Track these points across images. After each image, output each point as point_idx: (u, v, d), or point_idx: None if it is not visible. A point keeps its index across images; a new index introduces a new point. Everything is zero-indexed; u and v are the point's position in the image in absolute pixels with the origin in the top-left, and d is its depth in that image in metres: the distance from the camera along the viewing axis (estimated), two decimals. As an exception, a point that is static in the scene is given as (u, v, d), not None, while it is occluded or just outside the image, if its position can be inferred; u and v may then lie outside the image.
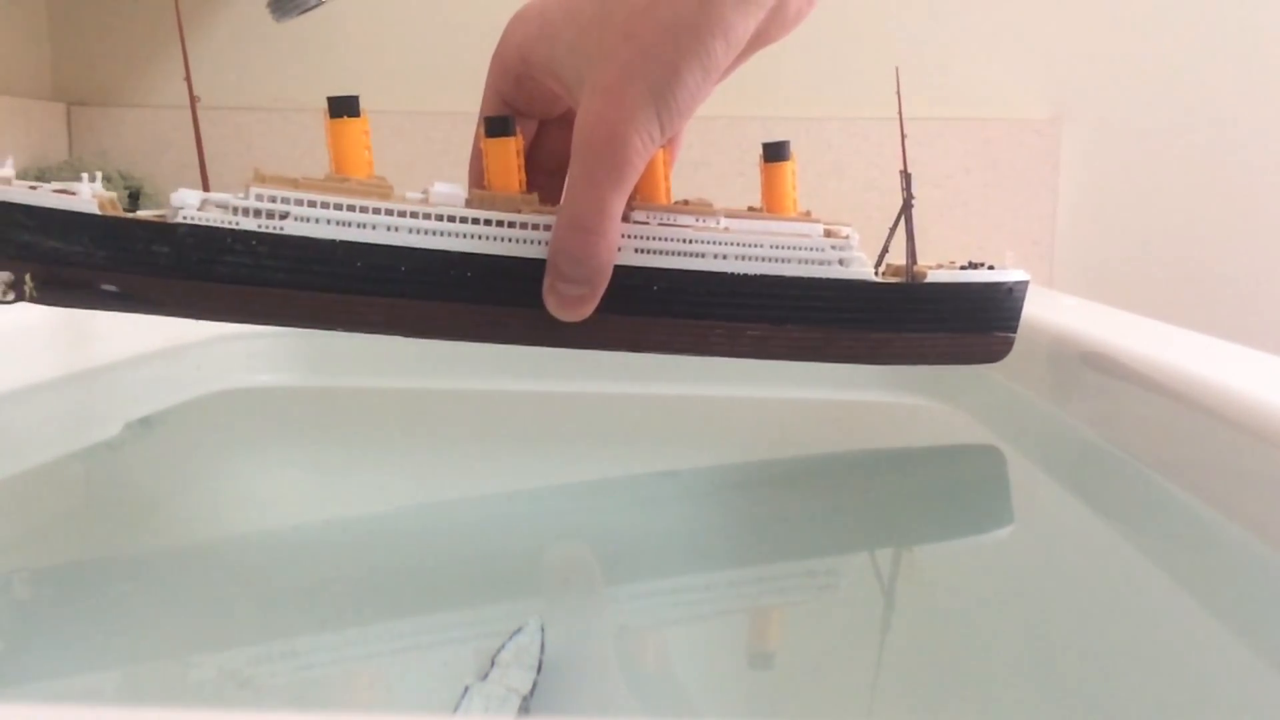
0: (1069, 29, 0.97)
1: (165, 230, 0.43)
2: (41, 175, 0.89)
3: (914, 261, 0.51)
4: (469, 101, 1.04)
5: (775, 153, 0.50)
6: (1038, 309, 0.57)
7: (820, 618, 0.37)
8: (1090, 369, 0.54)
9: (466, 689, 0.26)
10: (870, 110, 0.95)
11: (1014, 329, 0.53)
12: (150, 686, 0.29)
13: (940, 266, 0.52)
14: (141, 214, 0.44)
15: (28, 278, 0.43)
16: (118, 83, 1.00)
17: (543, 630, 0.29)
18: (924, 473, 0.54)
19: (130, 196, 0.93)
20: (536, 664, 0.27)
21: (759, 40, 0.42)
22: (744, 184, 0.95)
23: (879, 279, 0.50)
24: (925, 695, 0.31)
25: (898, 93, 0.53)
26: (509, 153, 0.46)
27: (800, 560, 0.42)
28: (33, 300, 0.43)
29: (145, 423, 0.58)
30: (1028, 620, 0.36)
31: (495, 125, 0.46)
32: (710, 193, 0.97)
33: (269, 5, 0.58)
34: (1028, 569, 0.41)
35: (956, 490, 0.52)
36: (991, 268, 0.52)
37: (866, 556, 0.44)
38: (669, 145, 0.46)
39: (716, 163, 0.94)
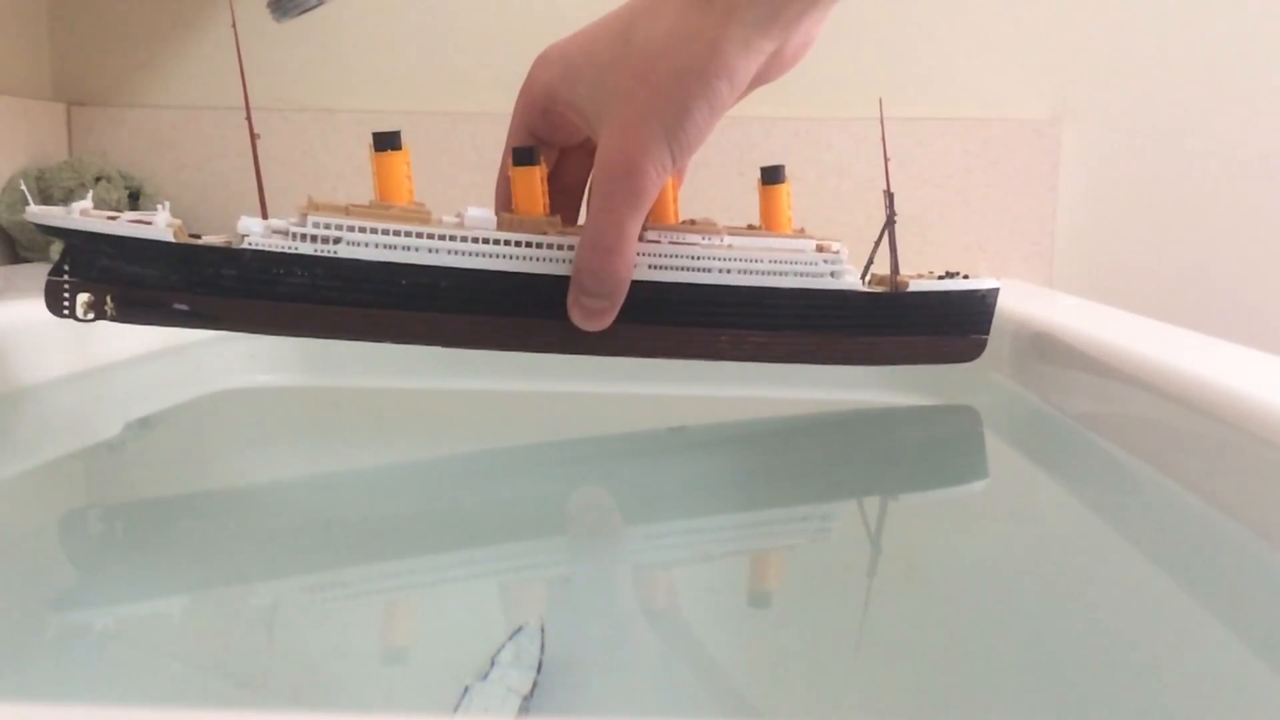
0: (1069, 29, 0.96)
1: (233, 255, 0.47)
2: (42, 175, 0.89)
3: (897, 272, 0.56)
4: (469, 101, 1.04)
5: (772, 176, 0.54)
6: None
7: (815, 559, 0.42)
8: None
9: (466, 689, 0.26)
10: (870, 111, 0.95)
11: (987, 331, 0.58)
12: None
13: (920, 276, 0.57)
14: (209, 239, 0.48)
15: (108, 299, 0.48)
16: (118, 83, 1.00)
17: (543, 630, 0.29)
18: (908, 432, 0.60)
19: (130, 196, 0.93)
20: (536, 664, 0.27)
21: (759, 80, 0.46)
22: (744, 183, 0.95)
23: (866, 289, 0.55)
24: (909, 630, 0.34)
25: (880, 120, 0.59)
26: (534, 180, 0.50)
27: (797, 507, 0.48)
28: (111, 319, 0.48)
29: (145, 423, 0.58)
30: (997, 563, 0.40)
31: (522, 155, 0.50)
32: (711, 190, 0.97)
33: (269, 5, 0.58)
34: (998, 519, 0.46)
35: (937, 447, 0.58)
36: (966, 276, 0.58)
37: (856, 504, 0.49)
38: (677, 172, 0.51)
39: (717, 163, 0.94)
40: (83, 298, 0.48)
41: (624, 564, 0.40)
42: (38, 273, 0.80)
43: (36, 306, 0.57)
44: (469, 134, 0.96)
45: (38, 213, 0.47)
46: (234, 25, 0.52)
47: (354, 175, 0.96)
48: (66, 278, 0.48)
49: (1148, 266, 0.98)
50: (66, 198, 0.88)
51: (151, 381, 0.61)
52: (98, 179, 0.91)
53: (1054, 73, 0.97)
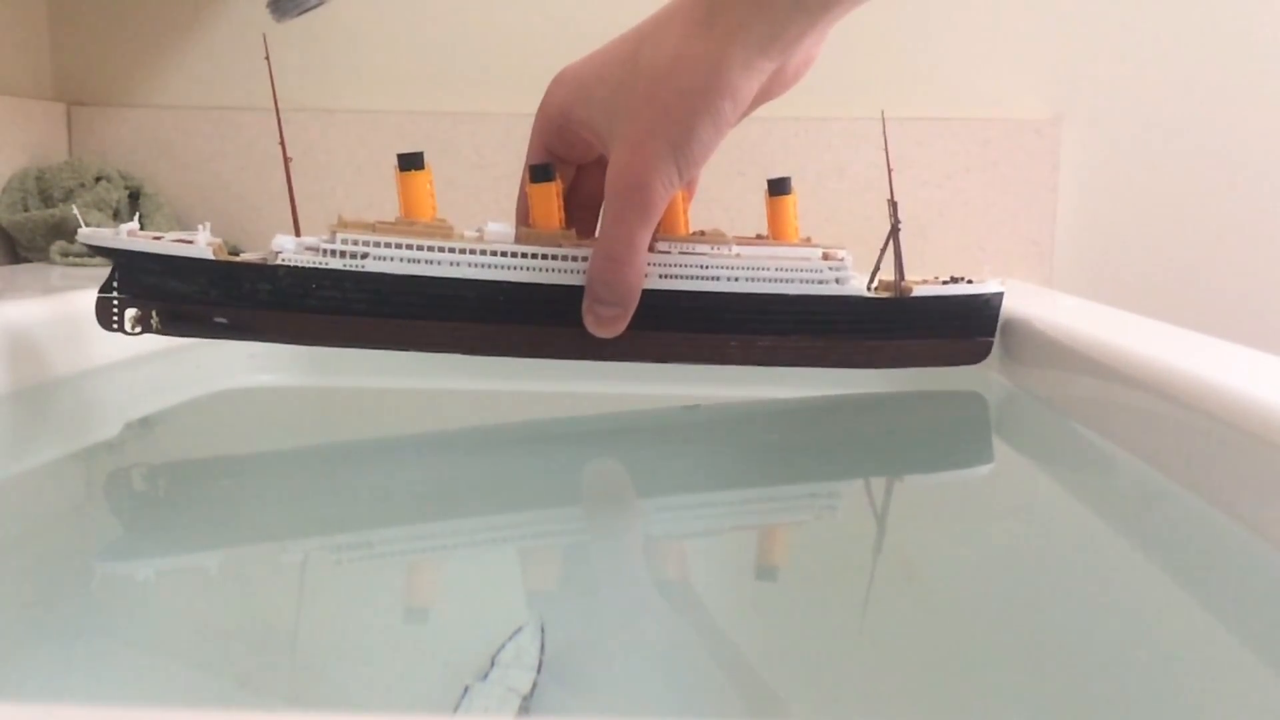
0: (1069, 29, 0.97)
1: (268, 270, 0.51)
2: (42, 175, 0.89)
3: (902, 278, 0.58)
4: (470, 101, 1.04)
5: (778, 188, 0.57)
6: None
7: (821, 535, 0.43)
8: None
9: (466, 689, 0.26)
10: (870, 110, 0.95)
11: (992, 333, 0.60)
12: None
13: (925, 282, 0.59)
14: (246, 256, 0.51)
15: (154, 313, 0.51)
16: (118, 83, 1.00)
17: (543, 630, 0.29)
18: (916, 416, 0.62)
19: (130, 197, 0.93)
20: (536, 664, 0.27)
21: (762, 97, 0.49)
22: (744, 183, 0.95)
23: (871, 294, 0.57)
24: (911, 604, 0.36)
25: (884, 132, 0.61)
26: (550, 196, 0.52)
27: (805, 484, 0.49)
28: (157, 332, 0.51)
29: (145, 423, 0.58)
30: (997, 549, 0.41)
31: (538, 173, 0.52)
32: (712, 189, 0.97)
33: (269, 5, 0.58)
34: (1001, 504, 0.48)
35: (943, 432, 0.59)
36: (971, 281, 0.60)
37: (862, 484, 0.51)
38: (687, 186, 0.54)
39: (718, 163, 0.94)
40: (130, 313, 0.51)
41: (636, 535, 0.42)
42: (38, 273, 0.80)
43: (36, 306, 0.57)
44: (469, 134, 0.96)
45: (88, 234, 0.51)
46: (267, 57, 0.55)
47: (354, 176, 0.96)
48: (115, 295, 0.51)
49: (1148, 266, 0.98)
50: (66, 197, 0.88)
51: (151, 381, 0.61)
52: (98, 179, 0.91)
53: (1054, 73, 0.97)
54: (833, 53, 0.96)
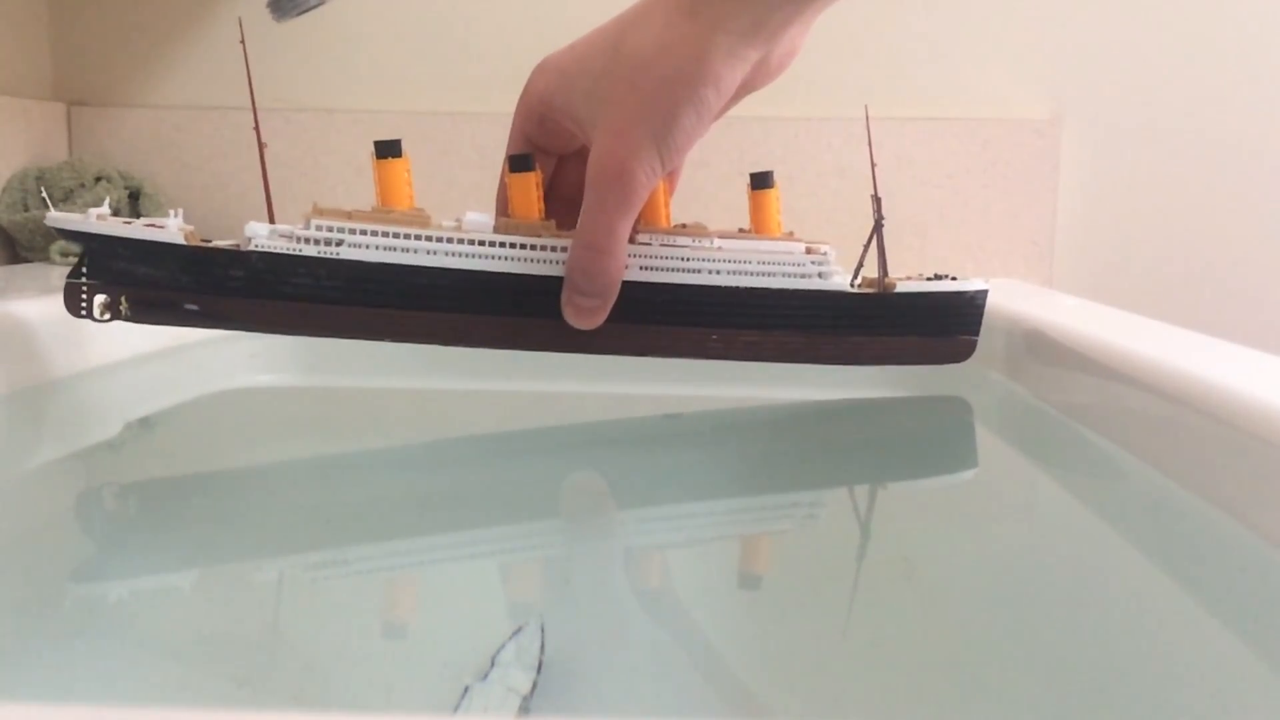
0: (1069, 29, 0.96)
1: (240, 257, 0.50)
2: (42, 175, 0.89)
3: (885, 274, 0.58)
4: (469, 101, 1.04)
5: (761, 181, 0.57)
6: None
7: (803, 544, 0.43)
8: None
9: (466, 689, 0.26)
10: (871, 111, 0.95)
11: (976, 332, 0.59)
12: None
13: (909, 278, 0.59)
14: (218, 243, 0.51)
15: (123, 299, 0.50)
16: (118, 83, 1.00)
17: (543, 630, 0.29)
18: (899, 422, 0.62)
19: (130, 197, 0.93)
20: (536, 664, 0.27)
21: (745, 88, 0.48)
22: (743, 183, 0.95)
23: (854, 289, 0.57)
24: (894, 611, 0.35)
25: (867, 128, 0.62)
26: (529, 185, 0.52)
27: (787, 493, 0.49)
28: (126, 319, 0.51)
29: (145, 423, 0.58)
30: (985, 552, 0.41)
31: (517, 162, 0.52)
32: (710, 189, 0.97)
33: (269, 5, 0.58)
34: (986, 508, 0.48)
35: (927, 437, 0.59)
36: (955, 279, 0.59)
37: (845, 491, 0.50)
38: (669, 178, 0.53)
39: (716, 163, 0.94)
40: (99, 299, 0.50)
41: (616, 547, 0.41)
42: (37, 273, 0.80)
43: (36, 306, 0.57)
44: (469, 134, 0.96)
45: (58, 218, 0.50)
46: (242, 41, 0.53)
47: (354, 176, 0.96)
48: (84, 280, 0.50)
49: (1148, 266, 0.98)
50: (66, 198, 0.88)
51: (151, 381, 0.61)
52: (98, 179, 0.91)
53: (1054, 73, 0.97)
54: (833, 53, 0.96)
